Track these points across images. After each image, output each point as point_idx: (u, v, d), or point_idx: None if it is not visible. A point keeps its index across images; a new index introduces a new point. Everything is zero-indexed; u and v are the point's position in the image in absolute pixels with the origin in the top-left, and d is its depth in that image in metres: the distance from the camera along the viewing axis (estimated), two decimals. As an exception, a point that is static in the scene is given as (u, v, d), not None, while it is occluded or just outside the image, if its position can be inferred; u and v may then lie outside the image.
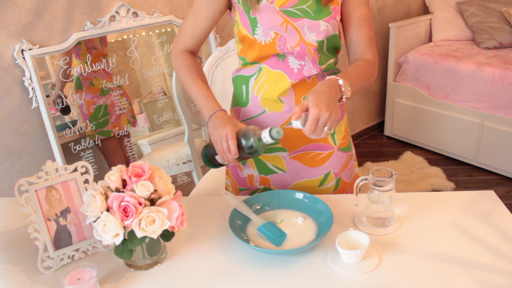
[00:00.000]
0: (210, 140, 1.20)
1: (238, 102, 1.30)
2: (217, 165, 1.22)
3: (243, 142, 1.08)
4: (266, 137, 1.05)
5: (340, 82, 1.07)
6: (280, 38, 1.15)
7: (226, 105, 1.87)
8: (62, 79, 1.92)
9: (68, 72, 1.93)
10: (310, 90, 1.04)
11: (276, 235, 1.06)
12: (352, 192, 1.37)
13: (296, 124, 1.01)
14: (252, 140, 1.07)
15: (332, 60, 1.23)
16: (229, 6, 1.23)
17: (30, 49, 1.79)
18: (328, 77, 1.08)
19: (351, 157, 1.38)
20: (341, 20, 1.23)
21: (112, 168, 1.00)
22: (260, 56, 1.19)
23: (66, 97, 1.93)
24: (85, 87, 1.97)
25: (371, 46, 1.22)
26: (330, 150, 1.30)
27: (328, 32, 1.17)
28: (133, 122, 2.15)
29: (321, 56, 1.20)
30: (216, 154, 1.17)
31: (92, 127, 2.00)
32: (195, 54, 1.30)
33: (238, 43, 1.25)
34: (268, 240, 1.06)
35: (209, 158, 1.21)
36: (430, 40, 3.52)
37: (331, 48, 1.21)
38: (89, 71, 1.97)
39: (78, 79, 1.96)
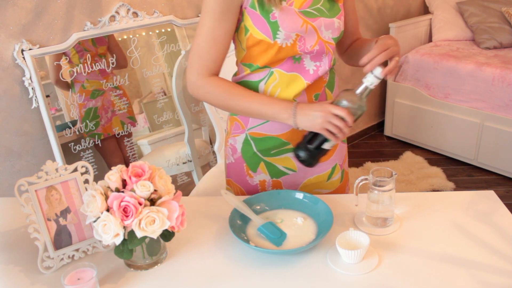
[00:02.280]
0: (301, 140, 1.14)
1: None
2: (318, 158, 1.14)
3: (349, 104, 1.07)
4: (370, 80, 1.05)
5: None
6: (300, 39, 1.14)
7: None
8: (62, 79, 1.92)
9: (60, 75, 1.92)
10: (381, 38, 1.15)
11: (276, 235, 1.06)
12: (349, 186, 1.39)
13: (373, 77, 1.05)
14: (356, 97, 1.07)
15: (334, 56, 1.26)
16: None
17: (30, 49, 1.79)
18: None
19: (347, 149, 1.42)
20: None
21: (112, 168, 1.01)
22: (275, 59, 1.16)
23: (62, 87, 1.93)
24: (77, 89, 1.97)
25: (358, 27, 1.36)
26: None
27: (340, 29, 1.19)
28: (132, 123, 2.14)
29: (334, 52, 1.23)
30: (321, 145, 1.11)
31: (87, 129, 1.99)
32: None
33: (241, 51, 1.19)
34: (268, 240, 1.06)
35: (314, 153, 1.12)
36: (430, 40, 3.52)
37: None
38: (84, 74, 1.96)
39: (71, 81, 1.96)
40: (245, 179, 1.33)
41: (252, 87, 1.21)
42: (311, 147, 1.12)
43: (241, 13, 1.14)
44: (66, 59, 1.92)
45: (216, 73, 1.19)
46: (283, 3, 1.11)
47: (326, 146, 1.12)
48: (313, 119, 1.08)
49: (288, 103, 1.13)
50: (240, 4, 1.12)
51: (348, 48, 1.35)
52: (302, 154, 1.12)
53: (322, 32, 1.16)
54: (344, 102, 1.07)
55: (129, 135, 2.16)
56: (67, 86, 1.96)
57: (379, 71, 1.05)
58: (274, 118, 1.14)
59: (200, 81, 1.16)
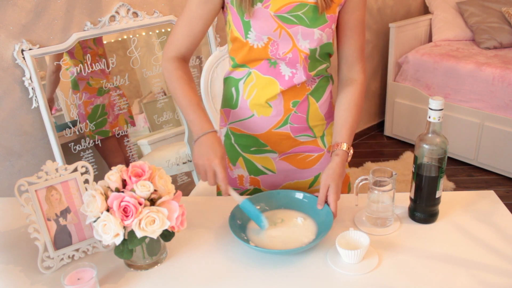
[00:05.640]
0: (410, 204, 1.15)
1: (228, 104, 1.29)
2: (435, 210, 1.13)
3: (431, 147, 1.10)
4: (428, 114, 1.07)
5: (350, 152, 1.17)
6: (273, 43, 1.13)
7: (226, 105, 1.87)
8: (62, 79, 1.92)
9: (60, 75, 1.92)
10: (328, 172, 1.11)
11: (255, 214, 1.09)
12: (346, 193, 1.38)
13: (430, 111, 1.06)
14: (431, 137, 1.09)
15: (324, 66, 1.22)
16: (222, 5, 1.20)
17: (30, 49, 1.79)
18: (338, 154, 1.15)
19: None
20: (336, 26, 1.21)
21: (112, 168, 1.01)
22: (249, 59, 1.17)
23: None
24: (82, 87, 1.97)
25: (362, 59, 1.24)
26: (319, 153, 1.30)
27: (321, 41, 1.15)
28: (131, 122, 2.14)
29: (312, 62, 1.19)
30: (433, 195, 1.11)
31: (92, 127, 2.00)
32: (187, 60, 1.24)
33: (229, 42, 1.23)
34: (250, 217, 1.10)
35: (429, 207, 1.12)
36: (430, 40, 3.52)
37: (324, 54, 1.20)
38: (88, 71, 1.96)
39: (74, 79, 1.95)
40: (227, 171, 1.35)
41: (234, 84, 1.24)
42: (424, 205, 1.12)
43: (226, 8, 1.17)
44: (68, 57, 1.91)
45: (184, 58, 1.21)
46: (258, 4, 1.10)
47: (438, 194, 1.11)
48: (198, 158, 1.12)
49: (205, 129, 1.15)
50: None
51: (341, 76, 1.27)
52: (418, 214, 1.13)
53: (299, 40, 1.13)
54: (426, 147, 1.09)
55: (128, 135, 2.15)
56: (66, 87, 1.96)
57: (432, 104, 1.04)
58: (189, 124, 1.18)
59: (166, 62, 1.20)
